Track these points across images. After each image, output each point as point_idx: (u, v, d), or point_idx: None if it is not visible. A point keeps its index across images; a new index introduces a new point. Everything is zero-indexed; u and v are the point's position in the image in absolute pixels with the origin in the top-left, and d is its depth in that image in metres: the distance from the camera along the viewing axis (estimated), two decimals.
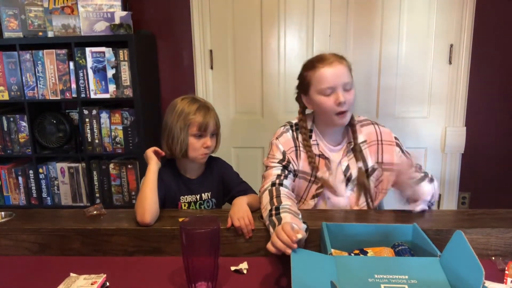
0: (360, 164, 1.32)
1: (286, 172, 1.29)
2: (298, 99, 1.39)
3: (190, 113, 1.29)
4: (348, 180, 1.33)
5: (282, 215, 1.05)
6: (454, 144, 2.40)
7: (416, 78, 2.37)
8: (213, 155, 1.47)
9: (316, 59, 1.28)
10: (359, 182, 1.32)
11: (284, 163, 1.30)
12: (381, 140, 1.33)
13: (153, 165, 1.25)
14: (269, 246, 0.92)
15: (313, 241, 1.08)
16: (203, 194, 1.39)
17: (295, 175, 1.34)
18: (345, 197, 1.33)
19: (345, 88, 1.24)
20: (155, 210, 1.17)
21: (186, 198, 1.37)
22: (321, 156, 1.33)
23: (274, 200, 1.14)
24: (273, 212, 1.08)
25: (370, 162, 1.33)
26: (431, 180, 1.22)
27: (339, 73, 1.23)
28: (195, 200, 1.38)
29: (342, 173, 1.32)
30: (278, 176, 1.26)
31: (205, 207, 1.40)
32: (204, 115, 1.30)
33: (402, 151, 1.32)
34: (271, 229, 1.04)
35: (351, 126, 1.34)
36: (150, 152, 1.29)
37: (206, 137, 1.32)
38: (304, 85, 1.31)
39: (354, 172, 1.32)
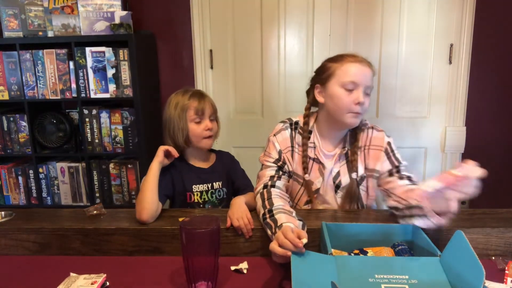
0: (354, 174, 1.27)
1: (281, 173, 1.27)
2: (309, 91, 1.33)
3: (185, 99, 1.34)
4: (337, 187, 1.30)
5: (276, 216, 1.05)
6: (454, 144, 2.40)
7: (416, 78, 2.37)
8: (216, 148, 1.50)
9: (345, 53, 1.25)
10: (349, 192, 1.28)
11: (279, 164, 1.28)
12: (369, 145, 1.29)
13: (155, 164, 1.25)
14: (275, 259, 0.93)
15: (313, 241, 1.08)
16: (214, 183, 1.41)
17: (290, 176, 1.32)
18: (334, 205, 1.32)
19: (365, 92, 1.21)
20: (153, 208, 1.17)
21: (198, 187, 1.38)
22: (316, 160, 1.30)
23: (266, 202, 1.13)
24: (267, 215, 1.08)
25: (361, 170, 1.29)
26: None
27: (366, 73, 1.21)
28: (206, 189, 1.39)
29: (332, 180, 1.30)
30: (271, 177, 1.25)
31: (217, 197, 1.41)
32: (199, 99, 1.34)
33: (390, 157, 1.26)
34: (268, 232, 1.05)
35: (355, 130, 1.30)
36: (159, 150, 1.27)
37: (206, 120, 1.34)
38: (324, 75, 1.25)
39: (344, 180, 1.29)
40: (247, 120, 2.51)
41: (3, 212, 1.24)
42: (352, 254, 0.95)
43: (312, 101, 1.32)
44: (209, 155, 1.46)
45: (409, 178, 1.21)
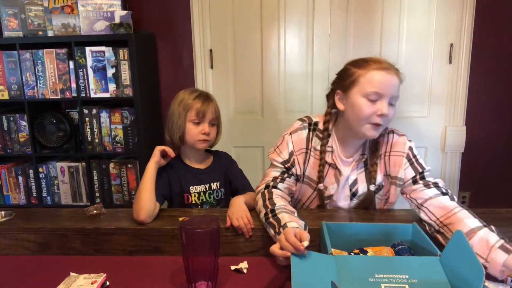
0: (372, 186, 1.21)
1: (285, 175, 1.24)
2: (330, 95, 1.25)
3: (190, 99, 1.33)
4: (353, 195, 1.25)
5: (279, 215, 1.04)
6: (454, 144, 2.41)
7: (416, 78, 2.37)
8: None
9: (371, 58, 1.16)
10: (366, 201, 1.24)
11: (287, 165, 1.24)
12: (390, 152, 1.21)
13: (151, 164, 1.25)
14: (279, 262, 0.94)
15: (313, 241, 1.08)
16: (212, 184, 1.40)
17: (297, 179, 1.27)
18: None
19: (391, 102, 1.14)
20: (150, 208, 1.17)
21: (195, 188, 1.38)
22: (332, 165, 1.23)
23: (267, 202, 1.13)
24: (270, 214, 1.07)
25: (379, 179, 1.22)
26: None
27: (393, 83, 1.13)
28: (204, 190, 1.39)
29: (348, 188, 1.24)
30: (275, 178, 1.23)
31: (215, 197, 1.41)
32: (203, 102, 1.33)
33: (412, 163, 1.18)
34: (271, 231, 1.04)
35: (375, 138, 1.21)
36: (155, 150, 1.28)
37: (205, 124, 1.33)
38: (346, 82, 1.17)
39: (361, 188, 1.23)
40: (247, 120, 2.51)
41: (3, 212, 1.24)
42: (352, 253, 0.95)
43: (332, 106, 1.24)
44: (206, 156, 1.45)
45: (436, 185, 1.13)
